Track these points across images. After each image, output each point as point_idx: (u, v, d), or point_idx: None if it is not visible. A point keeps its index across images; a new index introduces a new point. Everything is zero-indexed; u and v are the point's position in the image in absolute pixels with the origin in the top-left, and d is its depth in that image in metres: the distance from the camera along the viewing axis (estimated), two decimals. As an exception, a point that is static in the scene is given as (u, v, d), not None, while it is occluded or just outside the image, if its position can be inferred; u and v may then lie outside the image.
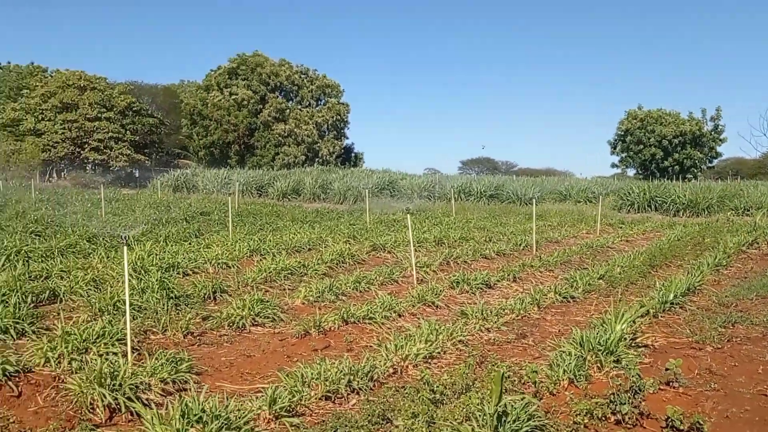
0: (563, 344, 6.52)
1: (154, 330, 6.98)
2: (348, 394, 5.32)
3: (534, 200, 17.90)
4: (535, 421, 4.48)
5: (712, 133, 57.42)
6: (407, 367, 6.05)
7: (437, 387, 5.21)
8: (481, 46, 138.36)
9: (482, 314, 7.81)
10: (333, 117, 57.59)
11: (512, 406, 4.57)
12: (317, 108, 58.48)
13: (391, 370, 5.91)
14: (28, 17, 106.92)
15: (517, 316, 8.18)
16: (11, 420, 4.54)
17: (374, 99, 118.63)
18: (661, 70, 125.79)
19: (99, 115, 53.03)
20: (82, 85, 53.87)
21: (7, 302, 7.17)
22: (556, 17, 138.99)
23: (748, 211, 24.62)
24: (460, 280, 9.89)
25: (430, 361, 6.26)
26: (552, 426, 4.58)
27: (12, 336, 6.43)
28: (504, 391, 5.39)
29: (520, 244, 14.58)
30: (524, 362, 6.22)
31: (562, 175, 58.11)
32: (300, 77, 59.05)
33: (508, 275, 10.72)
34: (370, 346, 6.68)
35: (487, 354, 6.52)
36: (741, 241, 14.99)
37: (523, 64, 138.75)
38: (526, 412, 4.53)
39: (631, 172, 61.38)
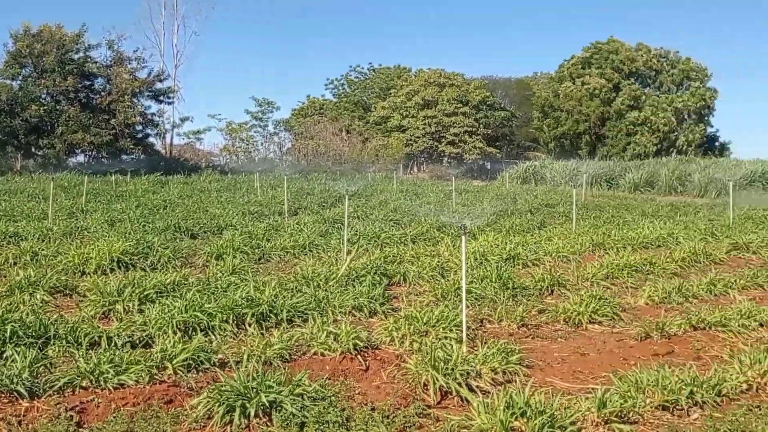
0: None
1: (490, 319, 7.14)
2: (689, 407, 4.81)
3: None
4: None
5: None
6: (765, 384, 5.26)
7: (803, 412, 4.45)
8: None
9: None
10: (696, 103, 52.86)
11: None
12: (677, 93, 54.27)
13: (744, 386, 5.19)
14: (395, 22, 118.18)
15: None
16: (357, 391, 5.01)
17: (750, 81, 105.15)
18: None
19: (455, 110, 56.17)
20: (441, 82, 57.66)
21: (362, 283, 8.01)
22: None
23: None
24: None
25: (797, 380, 5.36)
26: None
27: (365, 314, 7.13)
28: None
29: None
30: None
31: None
32: (658, 61, 55.40)
33: None
34: (721, 357, 5.97)
35: None
36: None
37: None
38: None
39: None
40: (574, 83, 55.05)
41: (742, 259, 11.24)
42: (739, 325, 6.81)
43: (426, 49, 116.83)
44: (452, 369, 5.09)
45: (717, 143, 56.28)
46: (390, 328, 6.28)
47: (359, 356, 5.70)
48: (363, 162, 47.74)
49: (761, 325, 7.00)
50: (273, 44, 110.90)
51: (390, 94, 61.21)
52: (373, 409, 4.57)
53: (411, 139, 55.87)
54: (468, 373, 5.15)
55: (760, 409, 4.67)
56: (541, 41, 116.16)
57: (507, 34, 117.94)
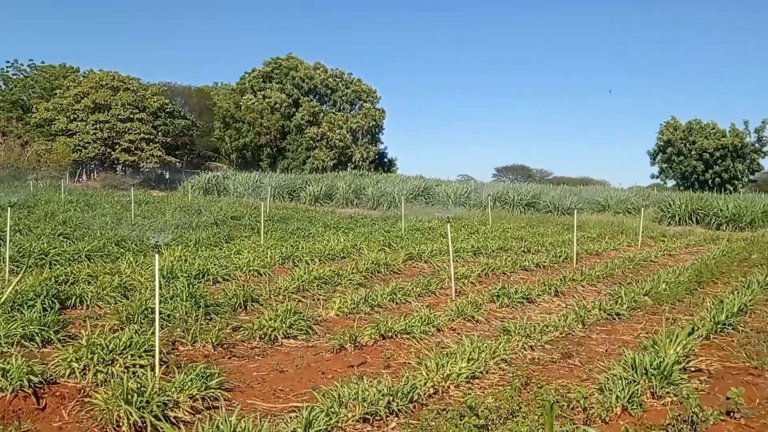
0: (613, 366, 6.15)
1: (183, 341, 6.70)
2: (387, 416, 4.98)
3: (575, 210, 17.30)
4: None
5: (755, 144, 56.52)
6: (448, 387, 5.70)
7: (482, 412, 4.87)
8: (513, 54, 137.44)
9: (525, 331, 7.41)
10: (368, 122, 57.31)
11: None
12: (352, 113, 58.31)
13: (431, 391, 5.56)
14: (59, 18, 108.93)
15: (561, 333, 7.78)
16: (33, 437, 4.29)
17: (408, 104, 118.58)
18: (699, 80, 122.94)
19: (131, 116, 53.15)
20: (115, 85, 54.08)
21: (32, 308, 6.98)
22: (591, 28, 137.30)
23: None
24: (500, 293, 9.50)
25: (472, 381, 5.90)
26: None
27: (37, 344, 6.20)
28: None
29: (559, 256, 14.14)
30: (572, 385, 5.84)
31: (599, 185, 56.93)
32: (335, 81, 59.02)
33: (550, 289, 10.30)
34: (409, 363, 6.33)
35: (531, 375, 6.14)
36: (791, 257, 14.36)
37: (554, 71, 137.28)
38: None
39: (670, 183, 60.54)
40: (255, 96, 55.97)
41: (417, 268, 12.27)
42: (420, 332, 7.34)
43: (96, 49, 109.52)
44: (148, 401, 4.63)
45: (386, 159, 61.82)
46: (69, 359, 5.52)
47: (34, 394, 4.90)
48: (22, 168, 43.04)
49: (438, 330, 7.65)
50: None
51: (55, 94, 55.65)
52: (53, 460, 3.93)
53: (80, 145, 51.56)
54: (166, 404, 4.73)
55: (447, 412, 4.99)
56: (222, 51, 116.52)
57: (188, 42, 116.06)
